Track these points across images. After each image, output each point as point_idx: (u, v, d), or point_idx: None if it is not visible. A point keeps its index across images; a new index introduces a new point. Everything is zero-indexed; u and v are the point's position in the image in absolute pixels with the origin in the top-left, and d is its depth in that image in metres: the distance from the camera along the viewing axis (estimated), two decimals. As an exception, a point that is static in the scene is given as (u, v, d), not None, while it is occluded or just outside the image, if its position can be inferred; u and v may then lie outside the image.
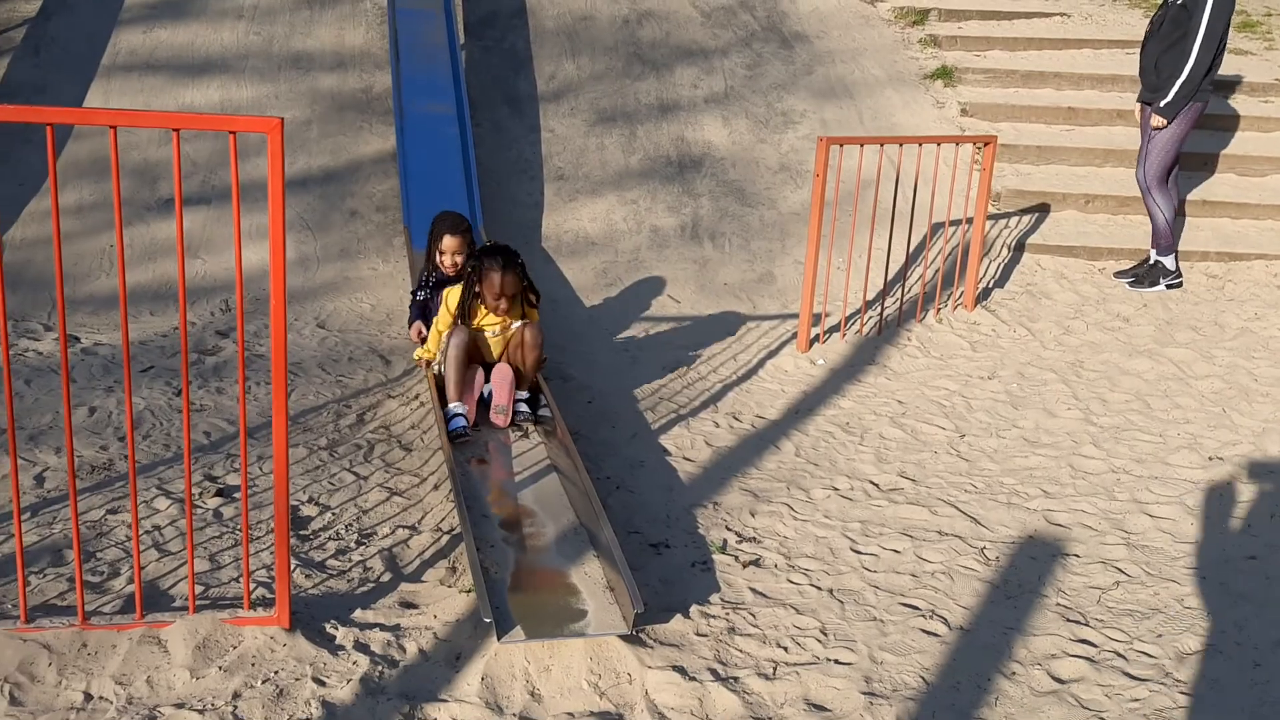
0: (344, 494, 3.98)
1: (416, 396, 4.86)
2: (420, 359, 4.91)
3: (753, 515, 3.99)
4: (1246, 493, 4.22)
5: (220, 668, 2.89)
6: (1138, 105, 6.71)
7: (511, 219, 6.99)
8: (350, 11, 8.56)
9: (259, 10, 8.39)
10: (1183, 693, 2.99)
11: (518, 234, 6.79)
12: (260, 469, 4.09)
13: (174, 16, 8.24)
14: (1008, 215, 7.37)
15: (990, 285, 6.61)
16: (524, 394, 4.55)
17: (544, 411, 4.50)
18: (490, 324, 4.64)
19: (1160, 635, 3.26)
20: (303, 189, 6.92)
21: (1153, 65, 6.45)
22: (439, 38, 8.04)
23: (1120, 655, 3.16)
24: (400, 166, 6.81)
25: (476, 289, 4.57)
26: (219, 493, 3.91)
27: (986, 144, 6.14)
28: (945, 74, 8.77)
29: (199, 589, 3.23)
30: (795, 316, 5.96)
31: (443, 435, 4.21)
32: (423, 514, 3.86)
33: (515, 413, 4.47)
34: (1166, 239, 6.54)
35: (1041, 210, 7.39)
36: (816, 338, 5.81)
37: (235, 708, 2.77)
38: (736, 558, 3.67)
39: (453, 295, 4.67)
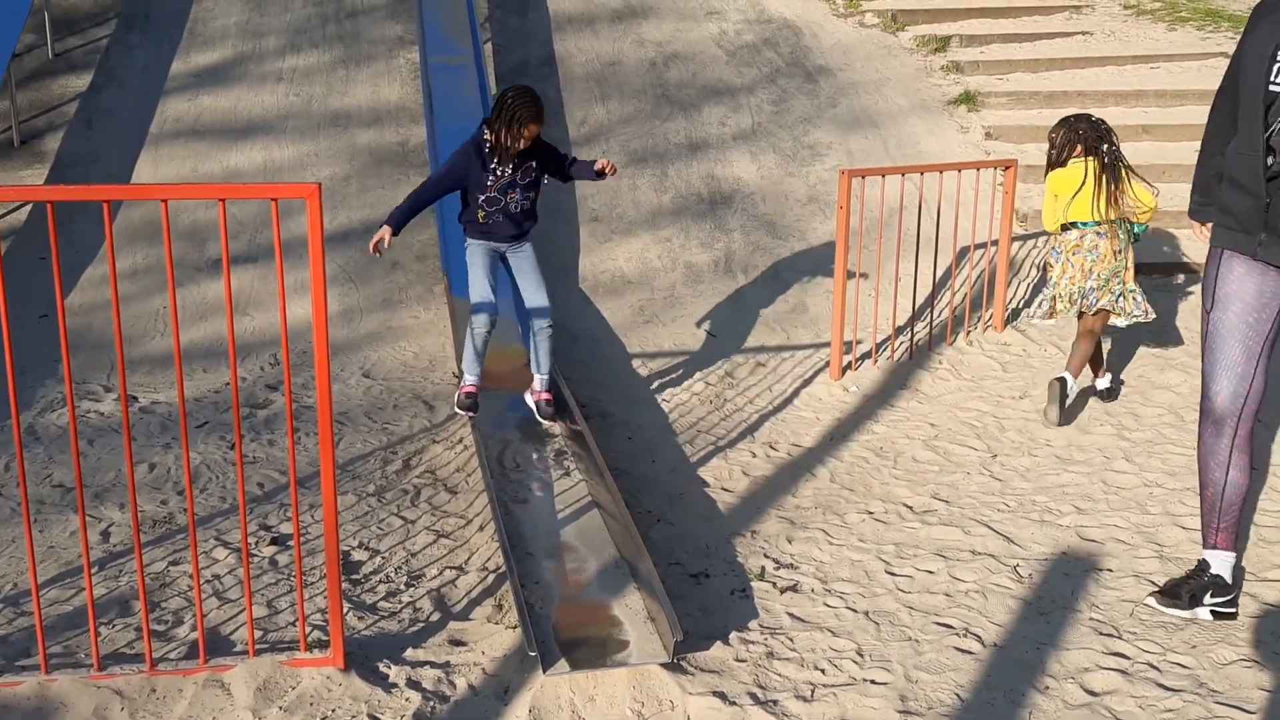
0: (393, 538, 4.13)
1: (460, 440, 5.02)
2: None
3: (789, 542, 4.09)
4: (1279, 503, 4.25)
5: (281, 708, 3.04)
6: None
7: (549, 262, 7.14)
8: (385, 69, 8.84)
9: (298, 72, 8.69)
10: (1218, 703, 3.04)
11: (556, 276, 6.95)
12: (312, 517, 4.26)
13: (217, 83, 8.57)
14: (1034, 236, 7.44)
15: (1019, 306, 6.67)
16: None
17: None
18: None
19: (1194, 646, 3.31)
20: (344, 243, 7.16)
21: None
22: (471, 90, 8.29)
23: (1154, 667, 3.22)
24: (438, 216, 7.02)
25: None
26: (274, 541, 4.08)
27: (1007, 168, 6.23)
28: (969, 99, 8.87)
29: (258, 633, 3.39)
30: (828, 345, 6.06)
31: None
32: (469, 554, 4.01)
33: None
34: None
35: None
36: (849, 365, 5.90)
37: (296, 745, 2.91)
38: (774, 584, 3.77)
39: None
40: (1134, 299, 5.23)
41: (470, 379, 4.86)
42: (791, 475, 4.69)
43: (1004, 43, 9.94)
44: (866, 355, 6.01)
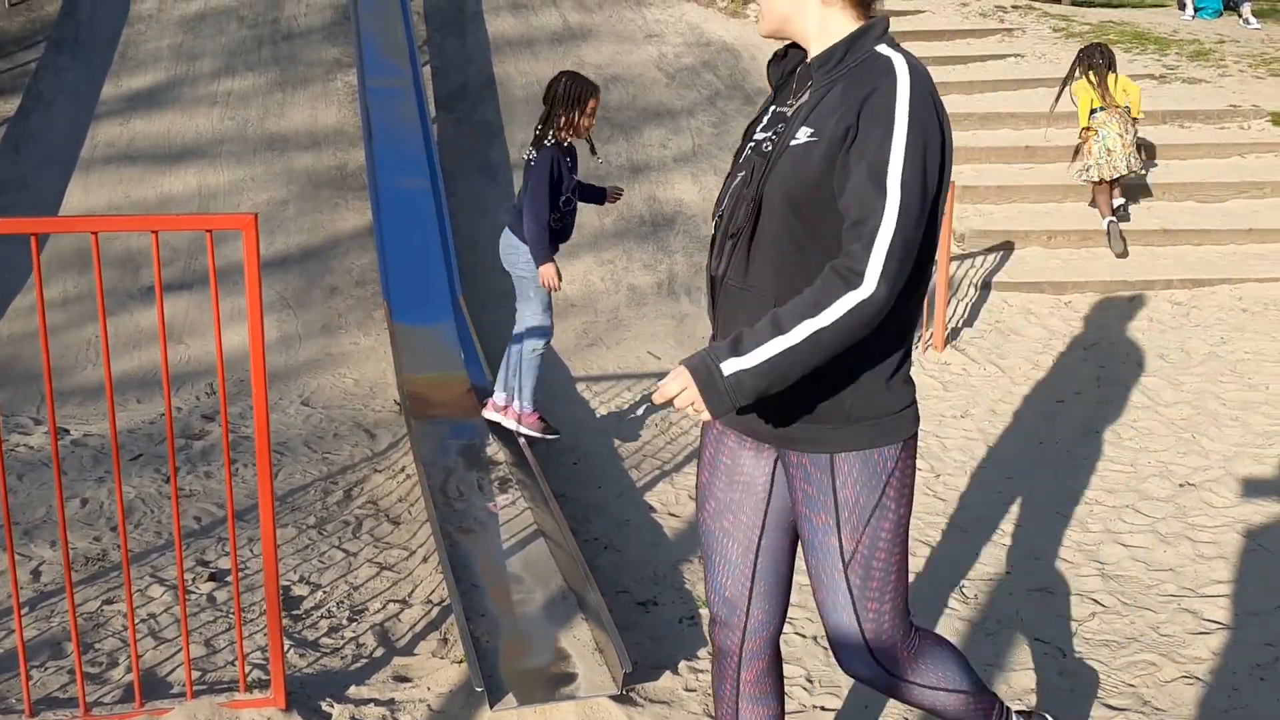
0: (334, 571, 4.05)
1: (403, 469, 4.95)
2: None
3: (737, 568, 4.07)
4: (1218, 519, 4.32)
5: (220, 751, 2.95)
6: None
7: (491, 285, 7.12)
8: (322, 92, 8.75)
9: (233, 96, 8.57)
10: None
11: (498, 300, 6.91)
12: (251, 551, 4.16)
13: (150, 107, 8.41)
14: (973, 255, 7.54)
15: (959, 325, 6.75)
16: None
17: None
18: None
19: (1137, 664, 3.35)
20: (282, 268, 7.05)
21: None
22: (410, 113, 8.23)
23: (1100, 686, 3.25)
24: (377, 240, 6.95)
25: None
26: (211, 577, 3.98)
27: (947, 188, 6.30)
28: (906, 120, 8.98)
29: (196, 674, 3.29)
30: (772, 367, 6.06)
31: None
32: (413, 587, 3.94)
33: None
34: None
35: (1006, 248, 7.57)
36: (794, 386, 5.91)
37: (236, 790, 2.82)
38: (722, 611, 3.75)
39: None
40: (1139, 159, 7.51)
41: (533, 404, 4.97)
42: (738, 499, 4.68)
43: (938, 65, 10.09)
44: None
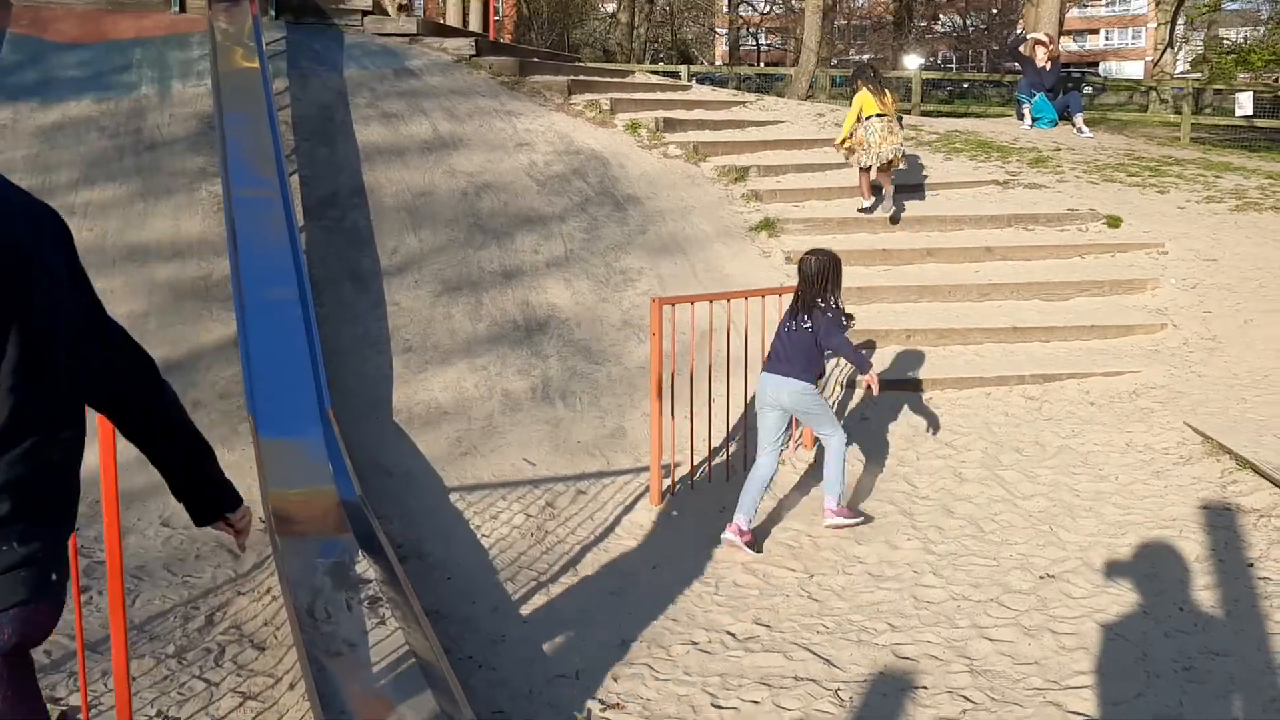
0: (195, 703, 3.87)
1: (268, 591, 4.79)
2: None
3: (615, 680, 4.04)
4: (1077, 609, 4.48)
5: None
6: None
7: (361, 395, 7.02)
8: (186, 201, 8.61)
9: (92, 206, 8.36)
10: (1031, 814, 3.13)
11: (368, 410, 6.82)
12: (105, 685, 3.94)
13: (1, 217, 8.13)
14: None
15: (828, 423, 6.91)
16: None
17: None
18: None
19: (1006, 759, 3.42)
20: (142, 383, 6.82)
21: None
22: (277, 221, 8.13)
23: (971, 783, 3.30)
24: (242, 352, 6.79)
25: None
26: (62, 716, 3.75)
27: (809, 293, 6.52)
28: (768, 225, 9.30)
29: (40, 827, 3.08)
30: (647, 470, 6.11)
31: None
32: (278, 717, 3.78)
33: None
34: None
35: (869, 347, 7.83)
36: (668, 489, 5.96)
37: None
38: (600, 726, 3.70)
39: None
40: (902, 151, 9.74)
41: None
42: (615, 608, 4.66)
43: (798, 172, 10.52)
44: (685, 479, 6.09)
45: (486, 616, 4.59)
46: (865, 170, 9.55)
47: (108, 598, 4.61)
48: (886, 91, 9.66)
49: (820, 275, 5.55)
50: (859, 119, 9.45)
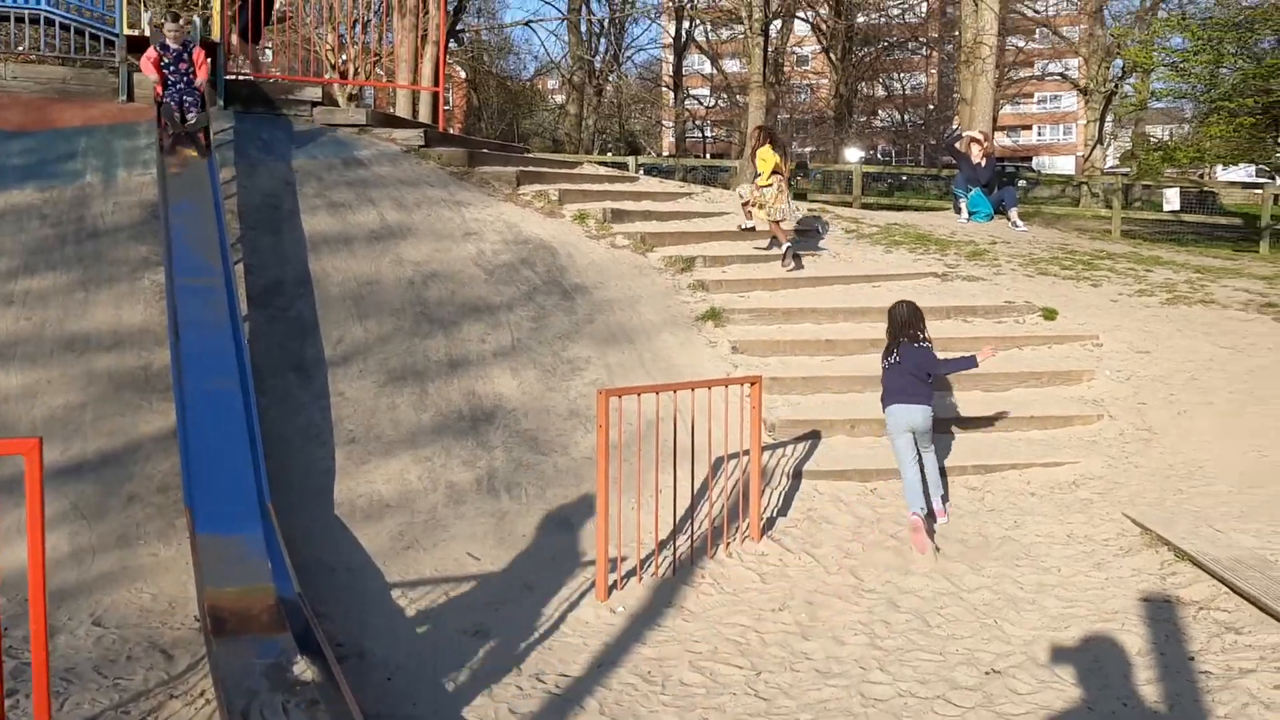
0: (121, 817, 3.72)
1: (202, 693, 4.64)
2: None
3: (559, 785, 3.95)
4: (1023, 705, 4.48)
5: None
6: None
7: (302, 487, 6.91)
8: (128, 290, 8.52)
9: (31, 295, 8.24)
10: None
11: (309, 502, 6.71)
12: (26, 799, 3.78)
13: (-65, 305, 7.99)
14: (784, 444, 7.82)
15: (774, 514, 6.93)
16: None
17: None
18: None
19: None
20: (77, 476, 6.67)
21: None
22: (220, 310, 8.06)
23: None
24: (181, 444, 6.67)
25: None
26: (-23, 833, 3.58)
27: (753, 384, 6.59)
28: (715, 315, 9.41)
29: None
30: (593, 564, 6.06)
31: None
32: (210, 829, 3.65)
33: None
34: None
35: (814, 437, 7.89)
36: (615, 584, 5.91)
37: None
38: (544, 835, 3.61)
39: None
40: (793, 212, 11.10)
41: None
42: (560, 710, 4.58)
43: (743, 263, 10.67)
44: (632, 573, 6.04)
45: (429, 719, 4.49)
46: (775, 223, 10.81)
47: (33, 701, 4.45)
48: (786, 153, 11.14)
49: (913, 317, 6.84)
50: (754, 179, 10.97)
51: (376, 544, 6.49)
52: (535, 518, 6.91)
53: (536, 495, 7.16)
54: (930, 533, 6.45)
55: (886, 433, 6.91)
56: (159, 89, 10.23)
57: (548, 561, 6.38)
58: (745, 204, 11.24)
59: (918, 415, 6.65)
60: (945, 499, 6.95)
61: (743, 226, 11.47)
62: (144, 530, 6.36)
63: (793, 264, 10.58)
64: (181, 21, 11.01)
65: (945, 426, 8.05)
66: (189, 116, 10.15)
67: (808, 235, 12.08)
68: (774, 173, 10.66)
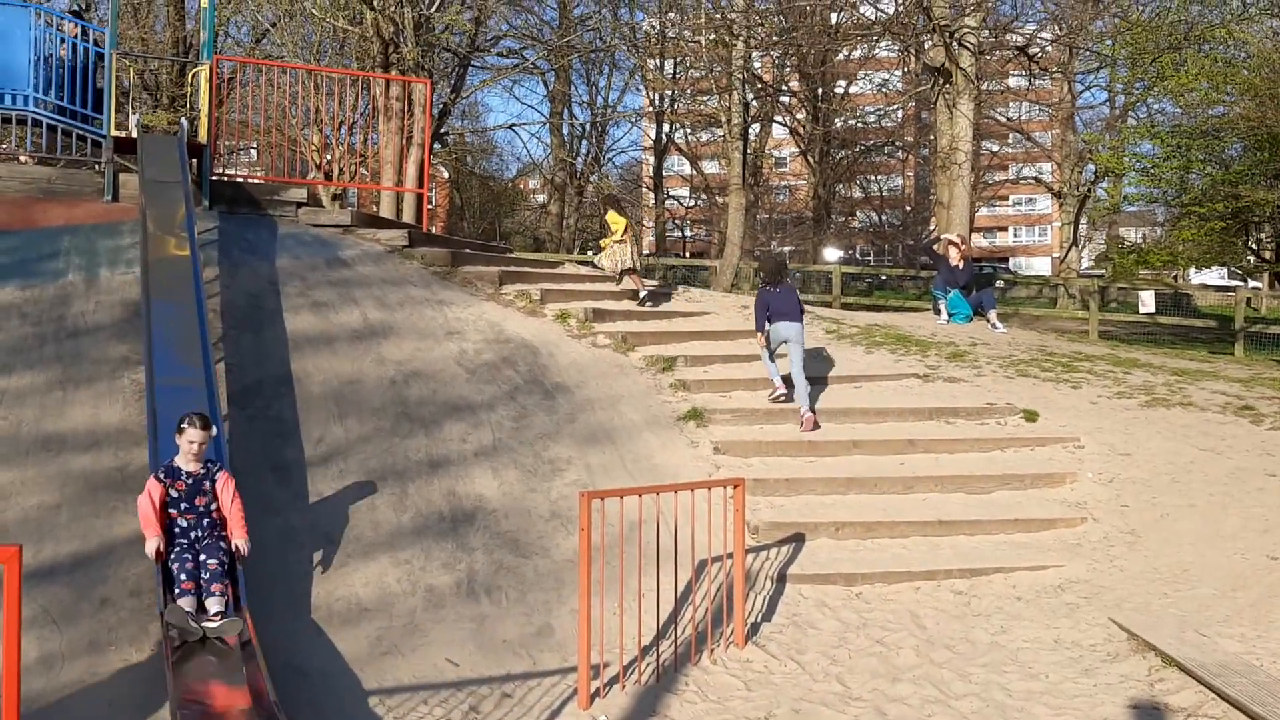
0: None
1: (170, 809, 4.48)
2: None
3: None
4: (1013, 816, 4.38)
5: None
6: None
7: (279, 591, 6.79)
8: (107, 390, 8.47)
9: (8, 394, 8.17)
10: None
11: (286, 606, 6.58)
12: None
13: (-90, 404, 7.91)
14: (767, 547, 7.76)
15: (759, 620, 6.84)
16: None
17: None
18: None
19: None
20: (49, 579, 6.53)
21: None
22: (200, 410, 8.01)
23: None
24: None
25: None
26: None
27: (736, 486, 6.56)
28: (696, 415, 9.41)
29: None
30: (575, 670, 5.94)
31: None
32: None
33: None
34: None
35: (798, 540, 7.84)
36: (597, 692, 5.79)
37: None
38: None
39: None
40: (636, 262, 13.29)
41: None
42: (540, 824, 4.44)
43: (724, 363, 10.72)
44: (615, 680, 5.93)
45: (404, 836, 4.34)
46: (626, 272, 12.93)
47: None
48: (628, 216, 13.41)
49: (782, 268, 10.29)
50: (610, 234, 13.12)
51: (354, 649, 6.35)
52: (516, 622, 6.80)
53: (517, 599, 7.05)
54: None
55: (768, 344, 9.97)
56: (160, 549, 6.14)
57: (528, 667, 6.26)
58: (611, 267, 13.05)
59: (795, 329, 9.87)
60: (812, 406, 9.60)
61: (618, 284, 13.05)
62: (115, 635, 6.20)
63: (650, 304, 12.68)
64: (210, 431, 6.58)
65: (928, 529, 8.02)
66: (209, 604, 5.91)
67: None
68: (625, 230, 12.86)
